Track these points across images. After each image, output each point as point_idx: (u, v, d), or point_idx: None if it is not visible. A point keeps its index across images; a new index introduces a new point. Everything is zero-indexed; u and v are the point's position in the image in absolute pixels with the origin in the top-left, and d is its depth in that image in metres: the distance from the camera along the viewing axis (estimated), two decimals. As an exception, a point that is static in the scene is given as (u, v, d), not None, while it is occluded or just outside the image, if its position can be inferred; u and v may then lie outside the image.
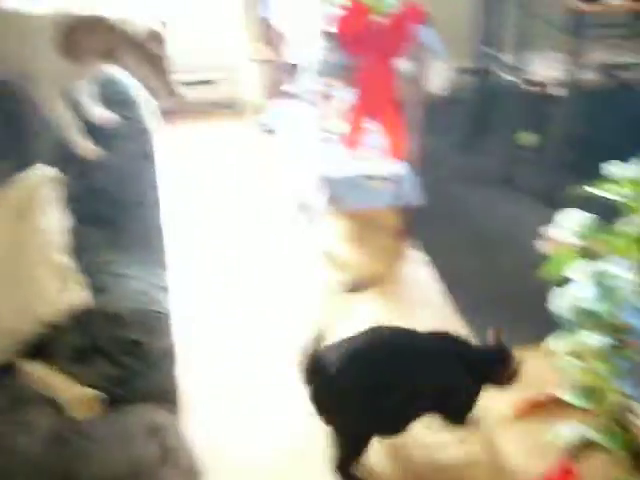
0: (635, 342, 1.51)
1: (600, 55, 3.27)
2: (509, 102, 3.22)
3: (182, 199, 3.05)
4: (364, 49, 2.36)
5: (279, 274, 2.69)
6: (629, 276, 1.50)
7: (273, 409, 2.11)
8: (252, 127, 3.77)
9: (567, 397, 1.65)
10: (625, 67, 3.33)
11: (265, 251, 2.82)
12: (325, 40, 2.35)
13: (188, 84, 3.81)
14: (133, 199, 1.60)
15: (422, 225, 2.90)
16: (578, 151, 3.10)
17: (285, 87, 3.32)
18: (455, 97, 3.84)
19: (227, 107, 3.97)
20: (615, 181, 1.51)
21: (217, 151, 3.60)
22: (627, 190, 1.47)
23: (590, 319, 1.48)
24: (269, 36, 3.46)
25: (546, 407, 2.02)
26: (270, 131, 3.53)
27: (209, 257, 2.77)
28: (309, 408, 1.71)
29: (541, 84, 3.10)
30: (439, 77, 2.51)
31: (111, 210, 1.58)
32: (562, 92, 3.00)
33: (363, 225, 2.96)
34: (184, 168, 3.32)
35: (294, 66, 3.38)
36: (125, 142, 1.74)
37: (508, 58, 3.18)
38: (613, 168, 1.55)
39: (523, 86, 3.10)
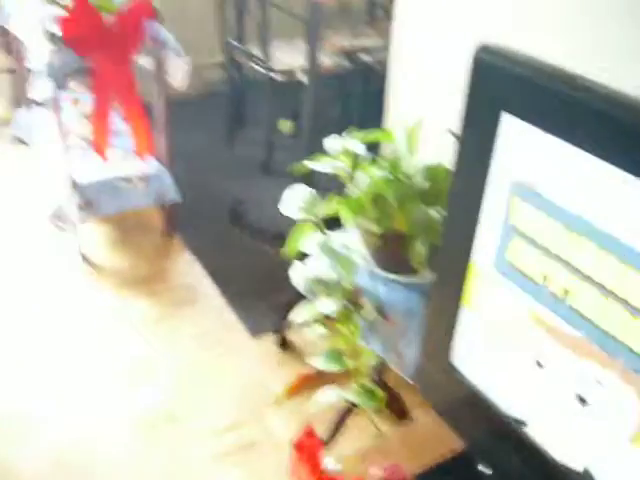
0: (368, 302, 1.61)
1: (341, 40, 3.46)
2: (263, 92, 3.30)
3: None
4: (94, 49, 2.31)
5: (42, 290, 2.58)
6: (354, 242, 1.61)
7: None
8: (1, 139, 3.57)
9: (320, 365, 1.73)
10: (366, 50, 3.52)
11: (25, 269, 2.69)
12: (53, 43, 2.27)
13: None
14: None
15: (185, 221, 2.91)
16: (327, 132, 3.26)
17: (30, 95, 3.18)
18: (211, 91, 3.91)
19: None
20: (331, 154, 1.60)
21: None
22: (340, 162, 1.57)
23: (323, 287, 1.57)
24: (8, 44, 3.29)
25: (315, 380, 2.11)
26: (21, 141, 3.38)
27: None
28: None
29: (288, 72, 3.21)
30: (178, 73, 2.52)
31: None
32: (307, 78, 3.13)
33: (125, 228, 2.92)
34: None
35: (34, 72, 3.26)
36: None
37: (255, 49, 3.25)
38: (330, 141, 1.65)
39: (272, 75, 3.18)
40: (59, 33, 2.26)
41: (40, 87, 2.37)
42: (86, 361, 2.27)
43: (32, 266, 2.70)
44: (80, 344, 2.34)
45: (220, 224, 2.95)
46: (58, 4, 2.36)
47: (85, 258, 2.72)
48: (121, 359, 2.28)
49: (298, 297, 1.66)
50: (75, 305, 2.51)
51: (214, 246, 2.86)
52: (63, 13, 2.29)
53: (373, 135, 1.68)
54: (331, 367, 1.69)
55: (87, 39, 2.28)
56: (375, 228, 1.55)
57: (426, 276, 1.58)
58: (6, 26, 2.94)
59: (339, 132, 1.73)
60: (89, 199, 2.60)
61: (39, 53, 2.39)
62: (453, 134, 1.41)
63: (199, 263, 2.75)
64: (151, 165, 2.69)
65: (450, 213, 1.17)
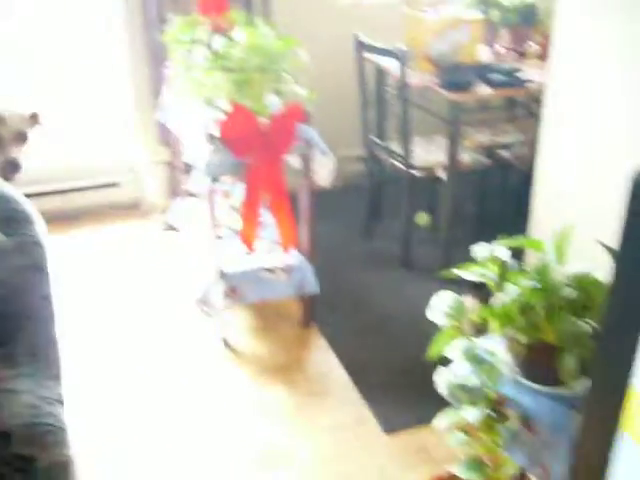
0: (512, 412, 1.59)
1: (480, 137, 3.51)
2: (400, 186, 3.38)
3: (86, 303, 3.06)
4: (250, 150, 2.47)
5: (184, 372, 2.71)
6: (499, 350, 1.61)
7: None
8: (156, 226, 3.84)
9: (460, 472, 1.71)
10: (505, 147, 3.55)
11: (169, 350, 2.84)
12: (212, 143, 2.45)
13: (91, 188, 3.90)
14: (22, 313, 1.61)
15: (322, 311, 2.99)
16: (465, 228, 3.29)
17: (184, 186, 3.42)
18: (350, 183, 4.03)
19: (131, 208, 4.04)
20: (478, 261, 1.63)
21: (122, 252, 3.61)
22: (489, 270, 1.59)
23: (467, 394, 1.56)
24: (167, 138, 3.57)
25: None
26: (173, 229, 3.61)
27: (113, 361, 2.76)
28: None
29: (428, 169, 3.28)
30: (324, 171, 2.64)
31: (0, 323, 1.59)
32: (446, 174, 3.19)
33: (265, 316, 3.03)
34: (89, 271, 3.33)
35: (190, 166, 3.51)
36: (12, 256, 1.76)
37: (395, 146, 3.35)
38: (477, 248, 1.67)
39: (412, 171, 3.26)
40: (218, 134, 2.44)
41: (197, 181, 2.55)
42: (219, 443, 2.35)
43: (177, 347, 2.85)
44: (216, 426, 2.43)
45: (356, 315, 3.02)
46: (217, 108, 2.56)
47: (227, 343, 2.84)
48: (254, 444, 2.35)
49: (439, 400, 1.67)
50: (214, 388, 2.62)
51: (350, 337, 2.91)
52: (222, 116, 2.47)
53: (520, 242, 1.69)
54: (471, 475, 1.67)
55: (243, 141, 2.44)
56: (522, 338, 1.54)
57: (575, 388, 1.55)
58: (167, 124, 3.20)
59: (477, 229, 1.75)
60: (234, 287, 2.73)
61: (198, 151, 2.58)
62: (606, 247, 1.40)
63: (335, 354, 2.80)
64: (294, 257, 2.80)
65: (606, 330, 1.15)
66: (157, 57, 3.65)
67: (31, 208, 1.91)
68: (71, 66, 3.85)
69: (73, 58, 3.83)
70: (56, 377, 1.62)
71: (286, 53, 2.60)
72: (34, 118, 1.57)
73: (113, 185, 4.03)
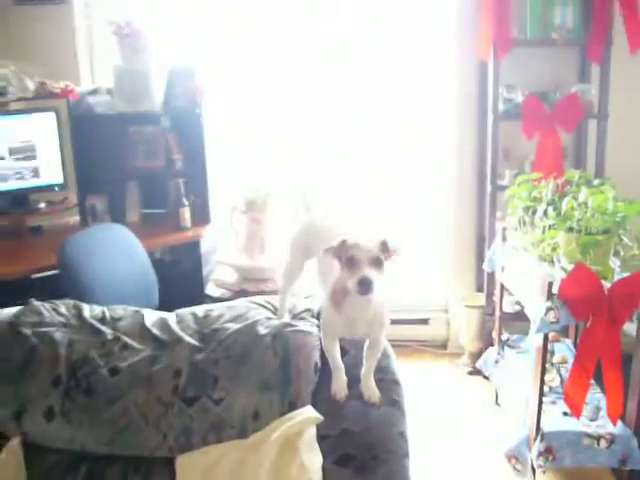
0: None
1: None
2: None
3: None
4: (590, 312, 2.45)
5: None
6: None
7: None
8: (462, 369, 3.90)
9: None
10: None
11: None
12: (549, 299, 2.47)
13: (403, 322, 4.10)
14: (381, 446, 1.72)
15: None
16: None
17: (500, 335, 3.45)
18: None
19: (439, 347, 4.16)
20: None
21: (428, 389, 3.70)
22: None
23: None
24: (488, 285, 3.66)
25: None
26: (480, 374, 3.63)
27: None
28: None
29: None
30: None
31: (360, 453, 1.71)
32: None
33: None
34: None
35: (510, 316, 3.54)
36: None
37: None
38: None
39: None
40: (557, 292, 2.46)
41: (531, 336, 2.57)
42: None
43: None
44: None
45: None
46: (558, 266, 2.59)
47: (535, 505, 2.74)
48: None
49: None
50: None
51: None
52: (563, 275, 2.50)
53: None
54: None
55: (585, 302, 2.43)
56: None
57: None
58: (495, 273, 3.30)
59: None
60: (551, 447, 2.64)
61: (532, 306, 2.61)
62: None
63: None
64: (618, 427, 2.65)
65: None
66: (483, 209, 3.81)
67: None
68: (408, 203, 4.22)
69: (412, 197, 4.22)
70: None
71: (631, 217, 2.59)
72: (384, 245, 1.72)
73: (424, 322, 4.19)
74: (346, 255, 1.69)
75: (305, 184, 2.41)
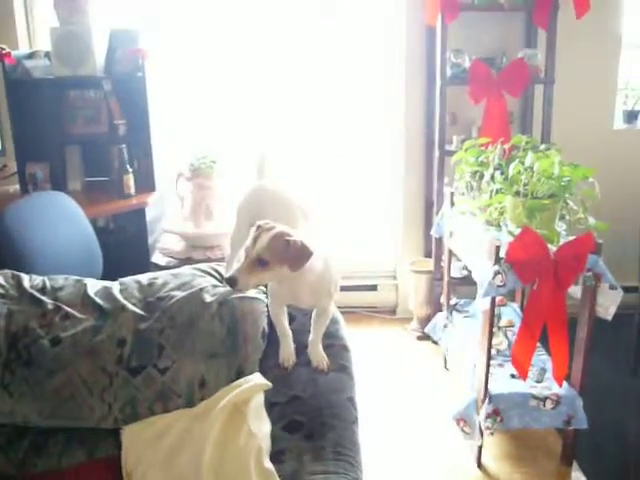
0: None
1: None
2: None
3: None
4: (536, 275, 2.47)
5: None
6: None
7: None
8: (411, 334, 3.93)
9: None
10: None
11: (421, 464, 2.84)
12: (496, 263, 2.48)
13: (352, 289, 4.11)
14: (329, 411, 1.71)
15: (586, 450, 2.83)
16: None
17: (448, 300, 3.47)
18: (621, 318, 3.84)
19: (387, 313, 4.19)
20: None
21: (377, 355, 3.73)
22: None
23: None
24: (437, 251, 3.67)
25: None
26: (429, 339, 3.67)
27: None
28: None
29: None
30: (609, 304, 2.56)
31: (309, 419, 1.70)
32: None
33: (523, 445, 2.93)
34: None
35: (458, 281, 3.57)
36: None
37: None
38: None
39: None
40: (504, 256, 2.47)
41: (478, 299, 2.58)
42: None
43: (429, 462, 2.85)
44: None
45: (622, 458, 2.82)
46: (505, 230, 2.60)
47: (482, 467, 2.78)
48: None
49: None
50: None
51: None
52: (510, 239, 2.51)
53: None
54: None
55: (531, 265, 2.45)
56: None
57: None
58: (443, 239, 3.31)
59: None
60: (498, 409, 2.68)
61: (479, 270, 2.62)
62: None
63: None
64: (564, 387, 2.70)
65: None
66: (431, 174, 3.82)
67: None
68: (354, 170, 4.21)
69: (358, 163, 4.21)
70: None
71: (577, 181, 2.61)
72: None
73: (373, 288, 4.20)
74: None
75: (264, 147, 2.34)
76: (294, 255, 1.67)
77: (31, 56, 3.56)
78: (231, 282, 1.67)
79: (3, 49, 3.34)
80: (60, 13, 3.37)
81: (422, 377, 3.50)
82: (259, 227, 1.72)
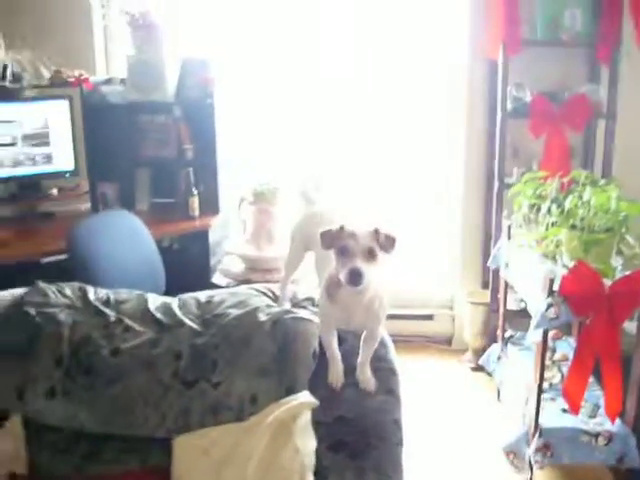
0: None
1: None
2: None
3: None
4: (589, 310, 2.47)
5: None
6: None
7: None
8: (466, 365, 3.92)
9: None
10: None
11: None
12: (550, 297, 2.49)
13: (408, 317, 4.13)
14: (374, 432, 1.75)
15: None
16: None
17: (503, 332, 3.47)
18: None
19: (443, 343, 4.19)
20: None
21: (431, 384, 3.73)
22: None
23: None
24: (493, 282, 3.68)
25: None
26: (483, 371, 3.65)
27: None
28: None
29: None
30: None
31: (354, 439, 1.74)
32: None
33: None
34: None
35: (515, 313, 3.56)
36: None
37: None
38: None
39: None
40: (558, 289, 2.48)
41: (531, 331, 2.59)
42: None
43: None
44: None
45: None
46: (560, 264, 2.61)
47: (533, 502, 2.76)
48: None
49: None
50: None
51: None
52: (564, 272, 2.51)
53: None
54: None
55: (585, 299, 2.45)
56: None
57: None
58: (500, 270, 3.31)
59: None
60: (549, 444, 2.66)
61: (534, 303, 2.63)
62: None
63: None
64: (617, 425, 2.67)
65: None
66: (491, 206, 3.83)
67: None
68: (415, 200, 4.27)
69: (419, 193, 4.26)
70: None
71: (634, 216, 2.60)
72: (377, 234, 1.73)
73: (429, 318, 4.22)
74: (340, 244, 1.72)
75: (312, 173, 2.43)
76: (388, 242, 1.74)
77: (107, 82, 3.75)
78: (357, 275, 1.67)
79: (82, 75, 3.53)
80: (136, 42, 3.55)
81: (474, 409, 3.49)
82: (342, 228, 1.74)
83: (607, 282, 2.48)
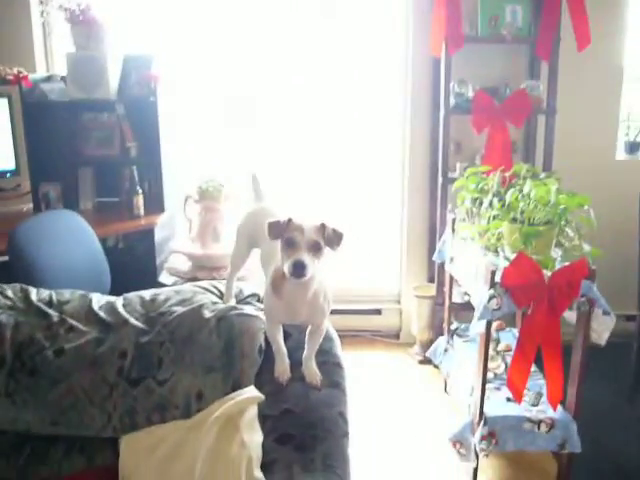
0: None
1: None
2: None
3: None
4: (531, 300, 2.52)
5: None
6: None
7: None
8: (413, 358, 3.97)
9: None
10: None
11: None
12: (492, 287, 2.53)
13: (355, 312, 4.16)
14: (321, 425, 1.76)
15: (581, 474, 2.85)
16: None
17: (449, 325, 3.52)
18: (617, 344, 3.86)
19: (390, 337, 4.24)
20: None
21: (379, 378, 3.77)
22: None
23: None
24: (439, 276, 3.74)
25: None
26: (430, 363, 3.71)
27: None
28: None
29: None
30: (603, 330, 2.60)
31: (300, 432, 1.76)
32: None
33: (518, 468, 2.96)
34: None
35: (460, 306, 3.62)
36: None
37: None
38: None
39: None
40: (500, 281, 2.53)
41: (474, 323, 2.63)
42: None
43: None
44: None
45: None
46: (502, 256, 2.66)
47: (477, 490, 2.82)
48: None
49: None
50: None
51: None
52: (506, 264, 2.57)
53: None
54: None
55: (526, 290, 2.50)
56: None
57: None
58: (445, 264, 3.36)
59: None
60: (493, 432, 2.72)
61: (476, 294, 2.68)
62: None
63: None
64: (558, 412, 2.74)
65: None
66: (435, 201, 3.88)
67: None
68: (359, 195, 4.30)
69: (363, 188, 4.30)
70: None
71: (573, 209, 2.66)
72: (323, 229, 1.75)
73: (377, 312, 4.26)
74: (286, 236, 1.73)
75: (256, 169, 2.43)
76: (334, 237, 1.76)
77: (48, 80, 3.68)
78: (301, 267, 1.69)
79: (21, 72, 3.46)
80: (76, 38, 3.49)
81: (422, 400, 3.55)
82: (290, 221, 1.75)
83: (547, 273, 2.53)
